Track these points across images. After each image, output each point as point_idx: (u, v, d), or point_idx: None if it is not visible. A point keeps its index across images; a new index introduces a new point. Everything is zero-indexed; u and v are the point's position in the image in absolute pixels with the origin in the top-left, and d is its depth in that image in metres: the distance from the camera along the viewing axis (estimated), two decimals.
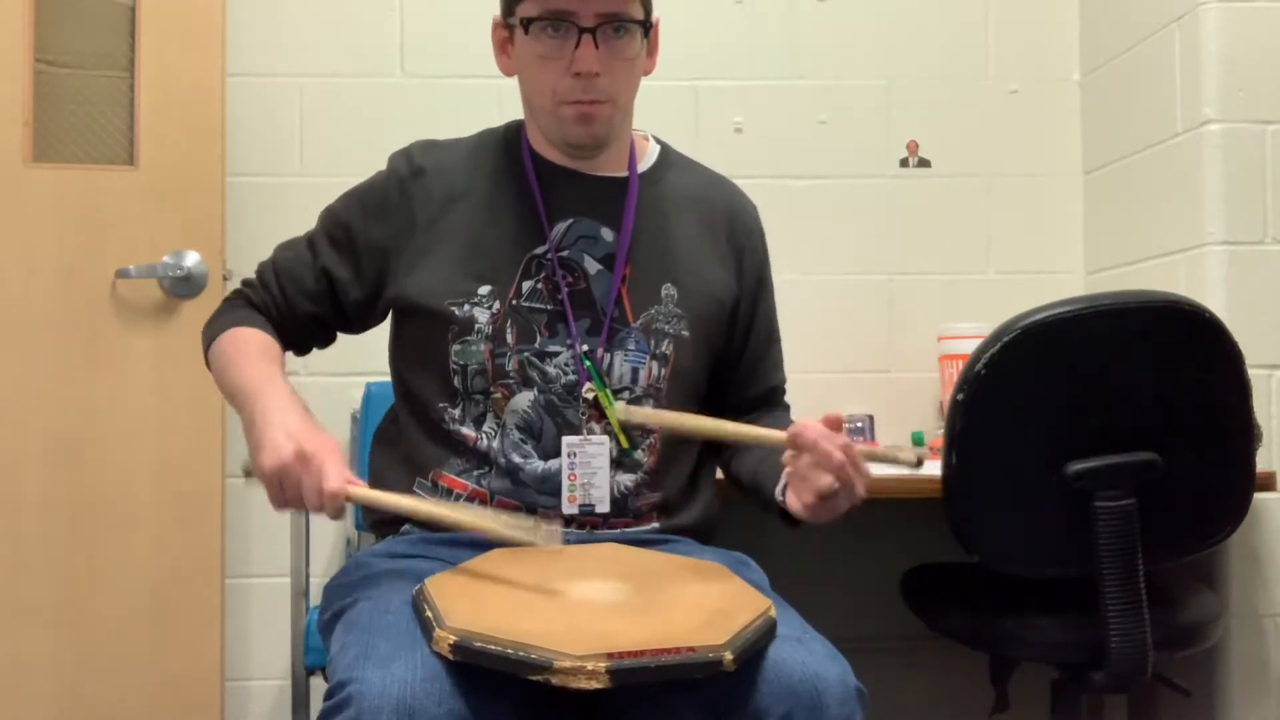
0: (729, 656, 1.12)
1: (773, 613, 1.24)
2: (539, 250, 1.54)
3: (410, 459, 1.54)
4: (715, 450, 1.69)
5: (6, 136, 2.24)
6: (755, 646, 1.18)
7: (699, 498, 1.61)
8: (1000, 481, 1.70)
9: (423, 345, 1.53)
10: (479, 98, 2.43)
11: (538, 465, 1.49)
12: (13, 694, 2.21)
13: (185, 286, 2.29)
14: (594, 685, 1.08)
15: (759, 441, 1.41)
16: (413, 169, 1.57)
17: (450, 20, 2.56)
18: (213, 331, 1.57)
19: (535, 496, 1.49)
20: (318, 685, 2.17)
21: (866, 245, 2.64)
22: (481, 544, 1.43)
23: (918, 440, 2.51)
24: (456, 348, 1.50)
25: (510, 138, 1.62)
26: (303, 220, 1.65)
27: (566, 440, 1.49)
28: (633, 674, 1.09)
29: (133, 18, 2.31)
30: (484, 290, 1.51)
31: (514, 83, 1.57)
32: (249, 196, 2.49)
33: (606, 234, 1.56)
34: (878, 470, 1.40)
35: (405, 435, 1.56)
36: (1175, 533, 1.75)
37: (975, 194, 2.67)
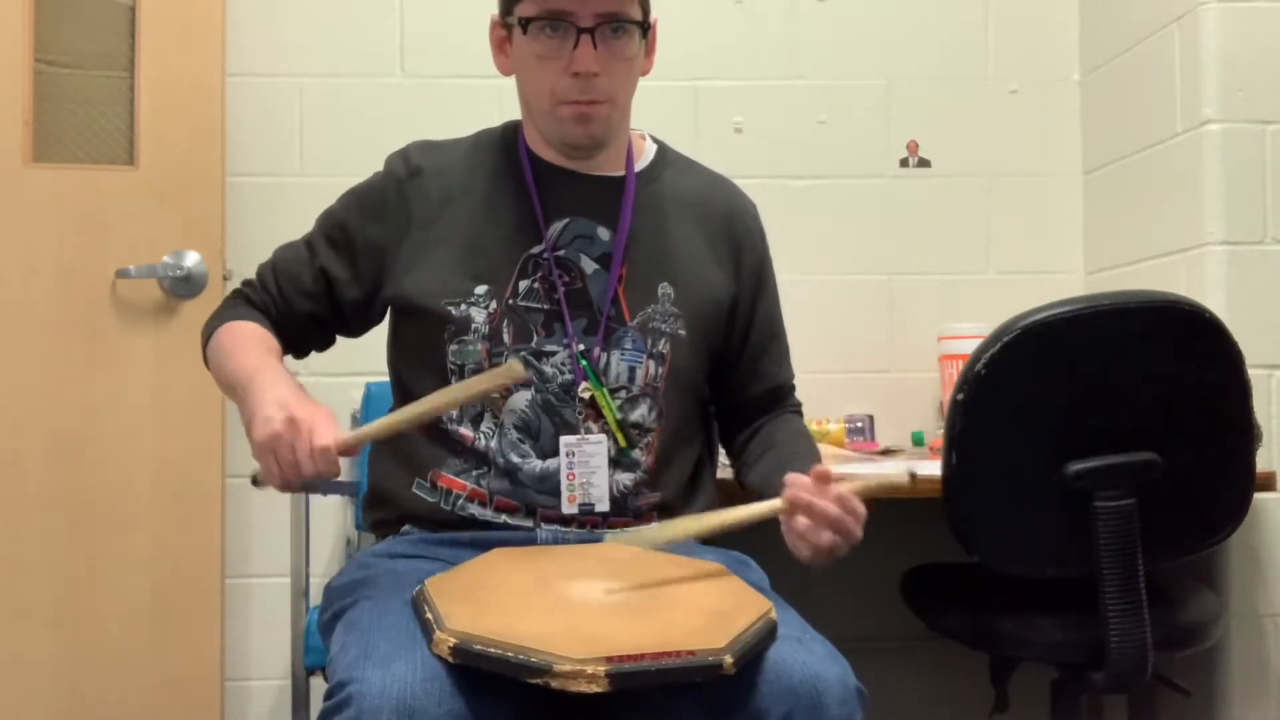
0: (729, 660, 1.12)
1: (773, 614, 1.24)
2: (536, 250, 1.54)
3: (409, 459, 1.54)
4: (720, 447, 1.69)
5: (6, 136, 2.24)
6: (755, 649, 1.18)
7: (699, 498, 1.61)
8: (1000, 481, 1.70)
9: (420, 345, 1.53)
10: (479, 98, 2.43)
11: (536, 465, 1.49)
12: (13, 694, 2.21)
13: (185, 286, 2.29)
14: (593, 689, 1.08)
15: (762, 516, 1.40)
16: (410, 169, 1.57)
17: (450, 20, 2.57)
18: (210, 329, 1.58)
19: (534, 496, 1.49)
20: (318, 685, 2.17)
21: (866, 245, 2.64)
22: (481, 544, 1.44)
23: (918, 440, 2.51)
24: (453, 347, 1.50)
25: (508, 138, 1.62)
26: (303, 220, 1.65)
27: (564, 440, 1.49)
28: (632, 678, 1.09)
29: (133, 18, 2.31)
30: (481, 290, 1.51)
31: (514, 83, 1.57)
32: (249, 196, 2.49)
33: (603, 233, 1.56)
34: (877, 470, 1.40)
35: (404, 435, 1.56)
36: (1175, 533, 1.75)
37: (975, 194, 2.67)
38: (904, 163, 2.66)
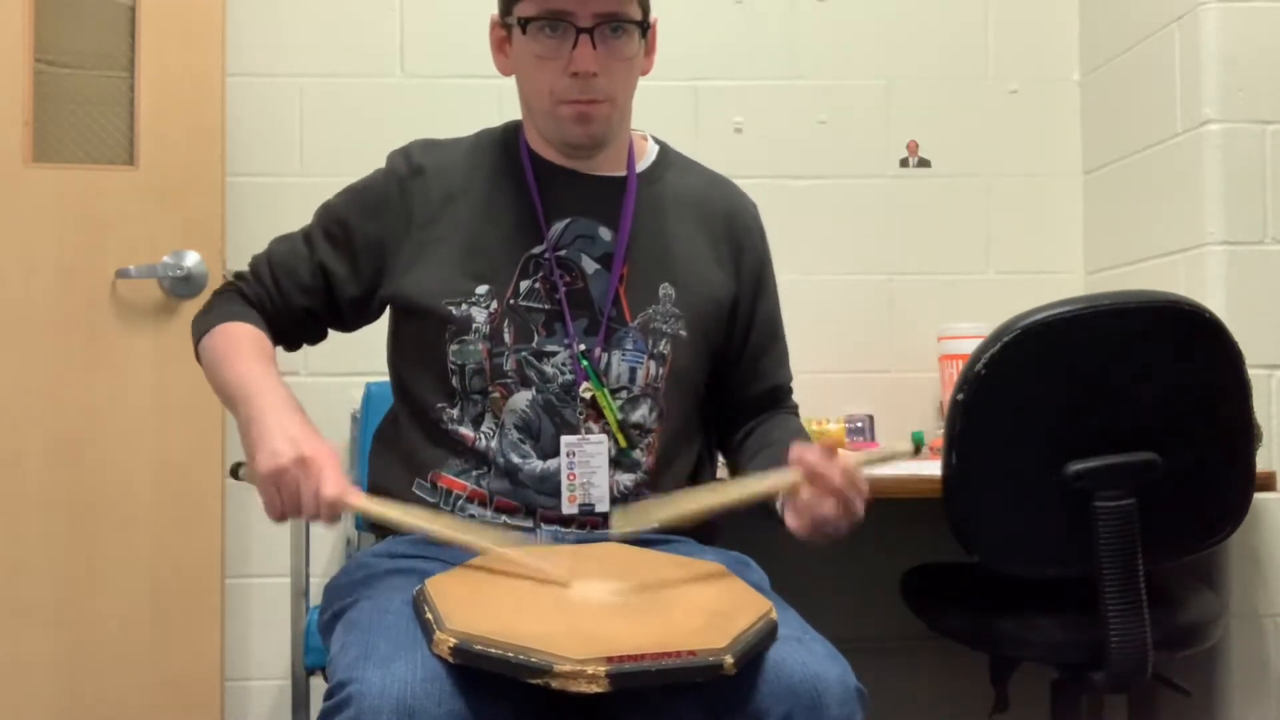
0: (729, 660, 1.12)
1: (773, 615, 1.24)
2: (537, 250, 1.53)
3: (409, 459, 1.54)
4: (719, 446, 1.69)
5: (6, 136, 2.24)
6: (756, 649, 1.18)
7: None
8: (1000, 481, 1.70)
9: (421, 345, 1.53)
10: (479, 98, 2.43)
11: (536, 465, 1.49)
12: (13, 694, 2.21)
13: (185, 286, 2.30)
14: (594, 689, 1.08)
15: (772, 491, 1.39)
16: (412, 168, 1.57)
17: (450, 20, 2.57)
18: (203, 325, 1.56)
19: (534, 496, 1.49)
20: (318, 685, 2.17)
21: (866, 245, 2.64)
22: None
23: (918, 440, 2.50)
24: (454, 347, 1.50)
25: (508, 137, 1.62)
26: (303, 220, 1.65)
27: (565, 440, 1.49)
28: (632, 678, 1.09)
29: (133, 18, 2.31)
30: (481, 290, 1.51)
31: (514, 83, 1.57)
32: (249, 196, 2.49)
33: (604, 233, 1.56)
34: (877, 470, 1.40)
35: (404, 436, 1.56)
36: (1175, 533, 1.75)
37: (975, 194, 2.67)
38: (904, 163, 2.66)
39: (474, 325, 1.50)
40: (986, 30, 2.68)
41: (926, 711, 2.50)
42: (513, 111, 1.62)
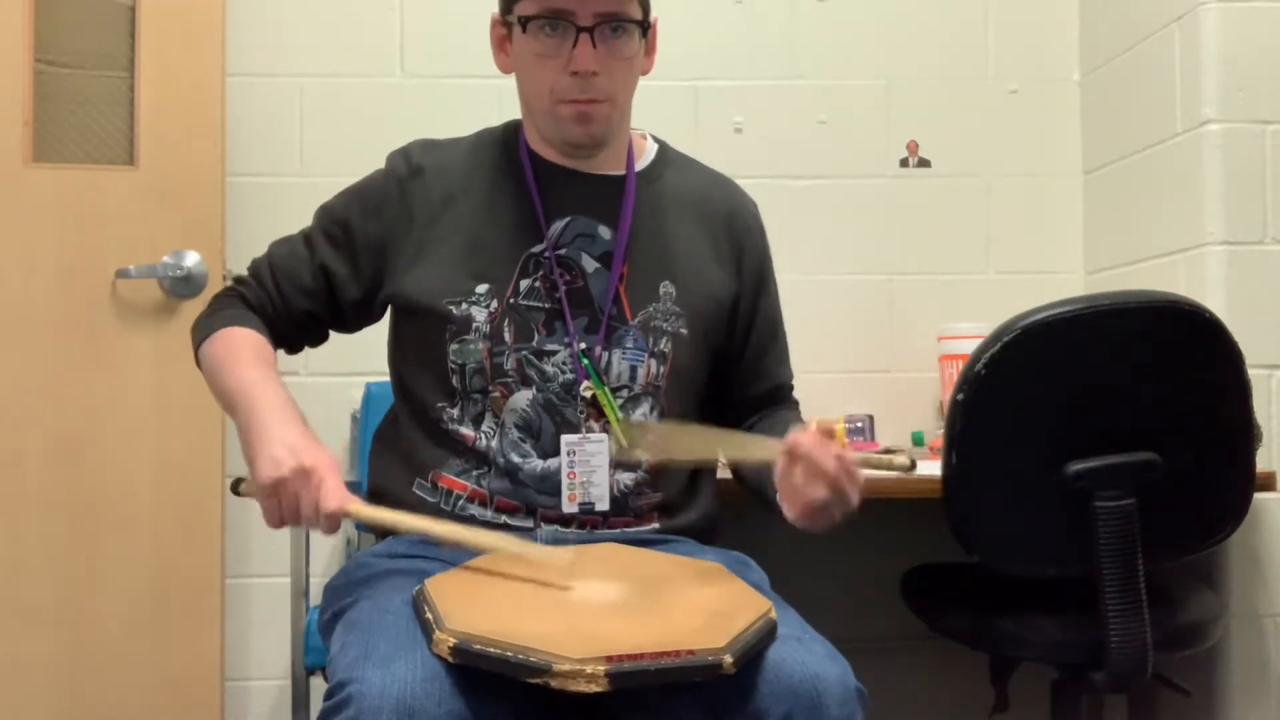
0: (729, 660, 1.12)
1: (773, 615, 1.24)
2: (537, 249, 1.54)
3: (410, 459, 1.54)
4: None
5: (6, 136, 2.24)
6: (755, 649, 1.18)
7: (699, 498, 1.60)
8: (1000, 481, 1.70)
9: (421, 344, 1.53)
10: (479, 98, 2.43)
11: (537, 464, 1.49)
12: (13, 694, 2.21)
13: (185, 286, 2.29)
14: (593, 688, 1.08)
15: (759, 454, 1.40)
16: (411, 168, 1.57)
17: (450, 20, 2.57)
18: (204, 331, 1.55)
19: (535, 496, 1.49)
20: (318, 685, 2.17)
21: (866, 245, 2.64)
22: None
23: (918, 440, 2.51)
24: (454, 347, 1.50)
25: (508, 137, 1.62)
26: (303, 220, 1.65)
27: (565, 439, 1.49)
28: (632, 677, 1.09)
29: (133, 18, 2.31)
30: (482, 289, 1.51)
31: (514, 83, 1.57)
32: (249, 196, 2.49)
33: (604, 232, 1.56)
34: (877, 470, 1.40)
35: (404, 435, 1.56)
36: (1175, 533, 1.75)
37: (975, 194, 2.67)
38: (904, 163, 2.66)
39: (474, 324, 1.50)
40: (986, 30, 2.68)
41: (926, 711, 2.50)
42: (513, 111, 1.62)
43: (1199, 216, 2.21)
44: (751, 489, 1.58)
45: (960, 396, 1.68)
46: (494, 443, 1.50)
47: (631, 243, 1.56)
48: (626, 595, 1.26)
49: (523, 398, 1.50)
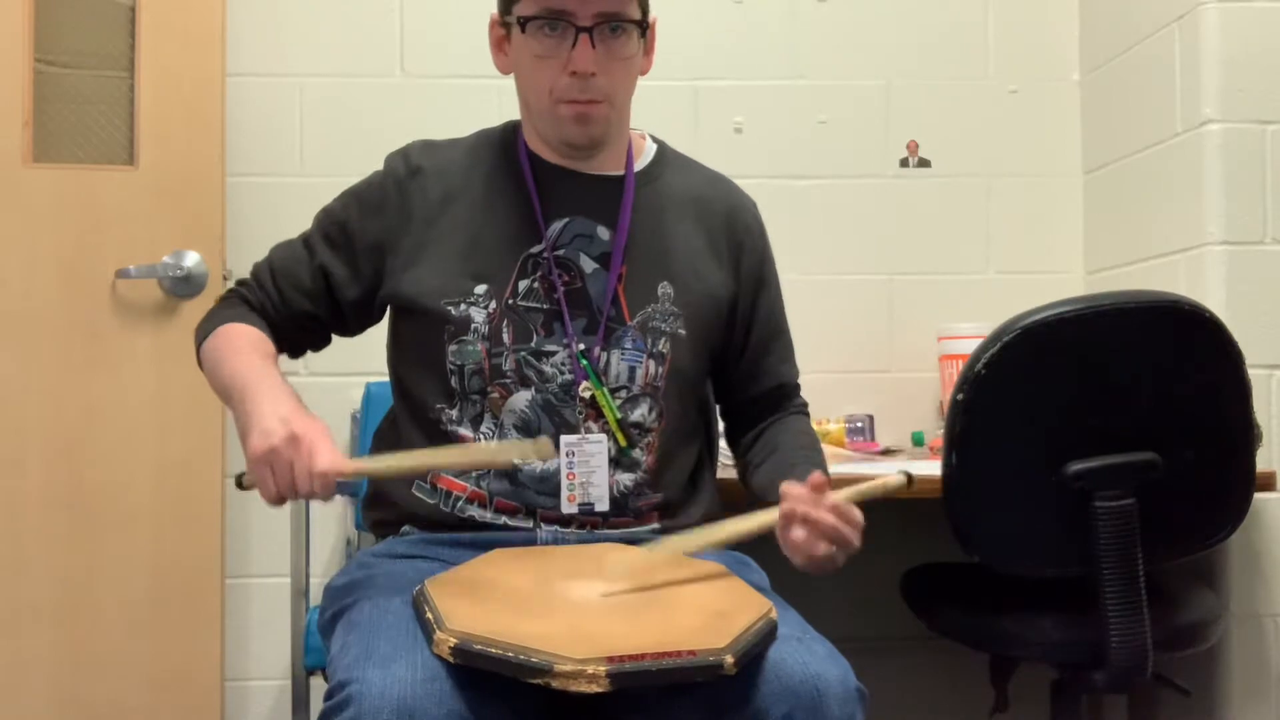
0: (729, 660, 1.12)
1: (773, 615, 1.24)
2: (535, 249, 1.53)
3: None
4: (729, 444, 1.69)
5: (6, 136, 2.24)
6: (756, 649, 1.18)
7: (700, 498, 1.61)
8: (1000, 481, 1.70)
9: (420, 345, 1.53)
10: (479, 98, 2.43)
11: (536, 465, 1.49)
12: (12, 693, 2.21)
13: (185, 286, 2.29)
14: (594, 689, 1.08)
15: (756, 532, 1.39)
16: (410, 168, 1.57)
17: (450, 20, 2.56)
18: (204, 330, 1.56)
19: (534, 496, 1.49)
20: (318, 685, 2.17)
21: (866, 245, 2.64)
22: (482, 544, 1.44)
23: (918, 440, 2.51)
24: (453, 347, 1.50)
25: (507, 137, 1.62)
26: (303, 220, 1.65)
27: (565, 439, 1.49)
28: (633, 677, 1.09)
29: (133, 18, 2.31)
30: (480, 290, 1.51)
31: (513, 83, 1.57)
32: (249, 196, 2.49)
33: (603, 233, 1.56)
34: (878, 470, 1.40)
35: (404, 436, 1.56)
36: (1175, 533, 1.75)
37: (975, 194, 2.67)
38: (904, 163, 2.66)
39: (473, 325, 1.50)
40: (986, 30, 2.68)
41: (926, 711, 2.50)
42: (512, 111, 1.62)
43: (1199, 216, 2.21)
44: (760, 504, 1.57)
45: (960, 396, 1.68)
46: (493, 443, 1.49)
47: (630, 243, 1.56)
48: (627, 596, 1.25)
49: (521, 398, 1.50)
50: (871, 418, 2.53)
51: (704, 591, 1.28)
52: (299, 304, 1.58)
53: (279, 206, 2.49)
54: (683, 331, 1.55)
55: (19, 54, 2.26)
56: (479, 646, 1.12)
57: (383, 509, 1.58)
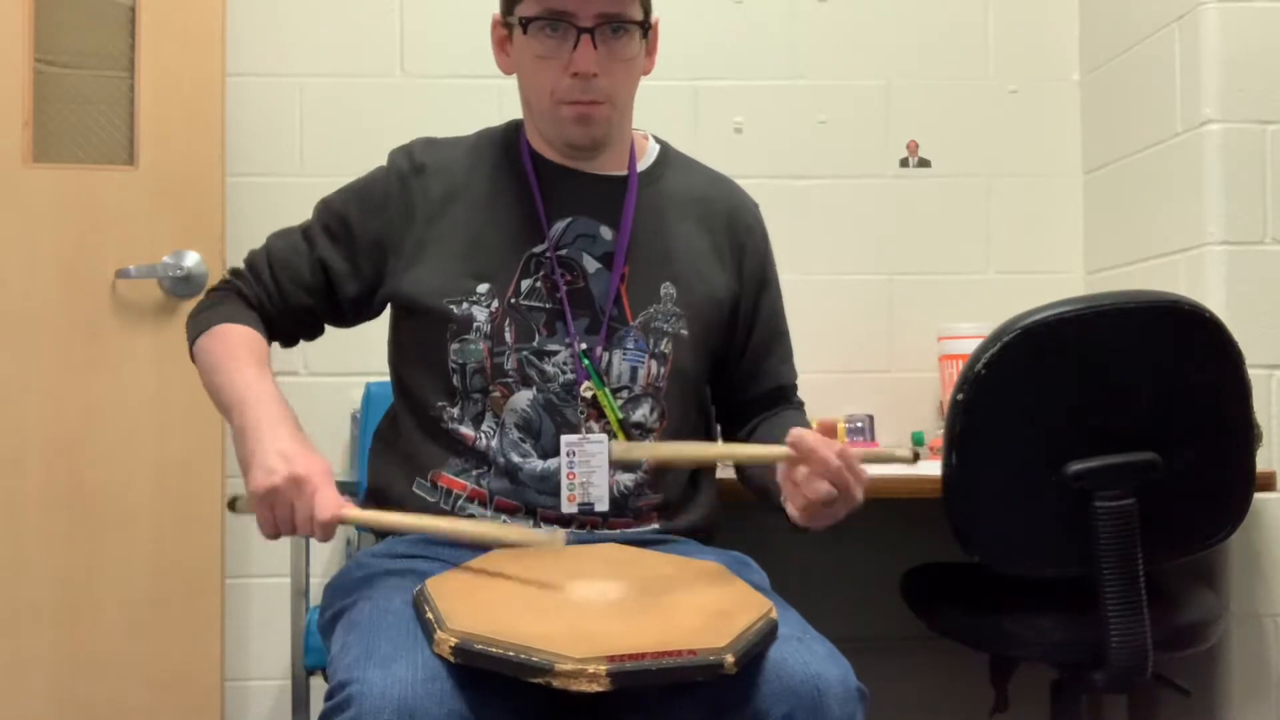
0: (730, 659, 1.12)
1: (774, 614, 1.24)
2: (538, 249, 1.54)
3: (409, 459, 1.54)
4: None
5: (6, 136, 2.24)
6: (756, 649, 1.18)
7: (700, 498, 1.60)
8: (1000, 481, 1.70)
9: (421, 344, 1.53)
10: (479, 98, 2.43)
11: (536, 464, 1.49)
12: (12, 693, 2.21)
13: (185, 286, 2.29)
14: (595, 688, 1.08)
15: (764, 459, 1.40)
16: (413, 166, 1.57)
17: (450, 20, 2.56)
18: (199, 326, 1.55)
19: (534, 496, 1.49)
20: (318, 685, 2.17)
21: (866, 245, 2.64)
22: (482, 544, 1.43)
23: (918, 440, 2.51)
24: (455, 346, 1.50)
25: (509, 137, 1.62)
26: (302, 220, 1.65)
27: (565, 439, 1.49)
28: (634, 677, 1.09)
29: (133, 18, 2.31)
30: (482, 289, 1.51)
31: (514, 82, 1.57)
32: (249, 196, 2.49)
33: (605, 233, 1.56)
34: (878, 470, 1.40)
35: (404, 435, 1.56)
36: (1175, 533, 1.75)
37: (975, 194, 2.67)
38: (904, 163, 2.66)
39: (475, 324, 1.50)
40: (986, 30, 2.68)
41: (926, 711, 2.50)
42: (513, 111, 1.62)
43: (1199, 216, 2.21)
44: (755, 489, 1.58)
45: (960, 396, 1.68)
46: (494, 442, 1.50)
47: (632, 243, 1.56)
48: (627, 595, 1.26)
49: (523, 398, 1.50)
50: (871, 418, 2.53)
51: (704, 591, 1.28)
52: (297, 298, 1.58)
53: (279, 206, 2.46)
54: (685, 332, 1.55)
55: (19, 54, 2.26)
56: (480, 646, 1.12)
57: (383, 509, 1.58)
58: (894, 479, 1.84)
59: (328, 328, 1.65)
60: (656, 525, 1.54)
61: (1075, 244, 2.68)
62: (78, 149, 2.31)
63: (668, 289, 1.56)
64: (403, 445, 1.56)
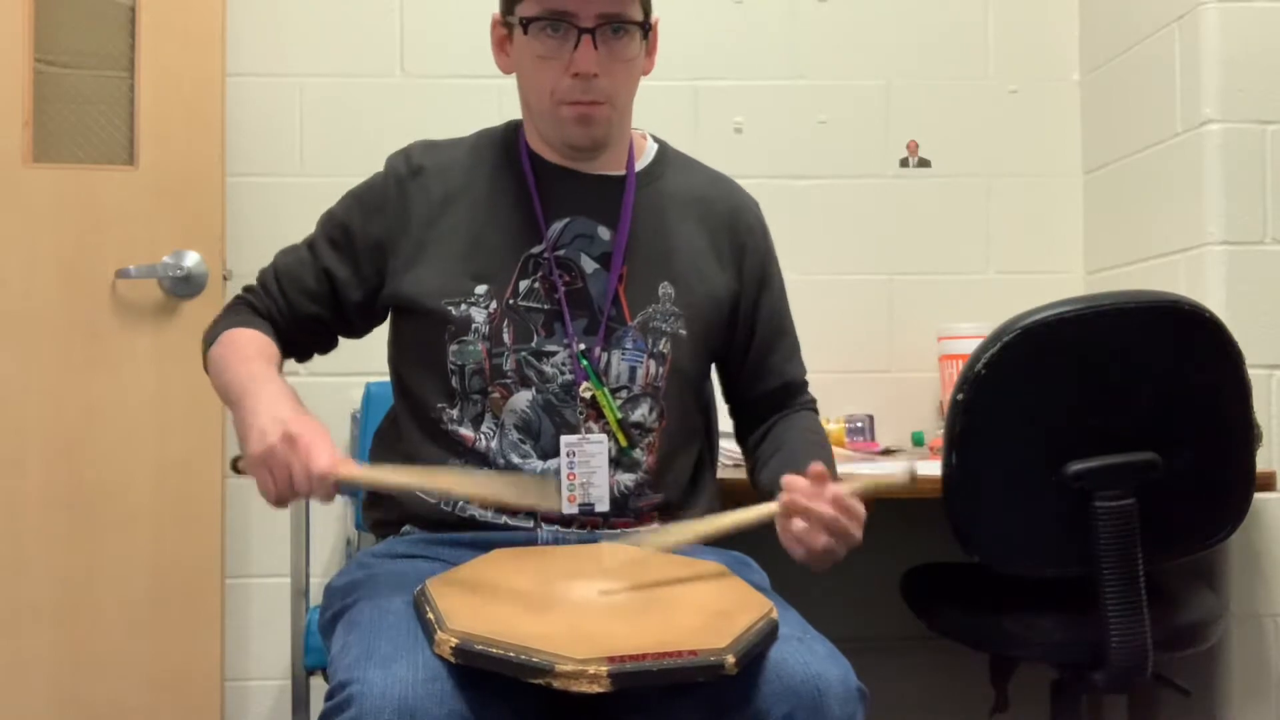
0: (731, 660, 1.12)
1: (774, 614, 1.24)
2: (536, 249, 1.53)
3: (410, 460, 1.54)
4: (738, 442, 1.69)
5: (6, 136, 2.24)
6: (757, 649, 1.18)
7: (700, 499, 1.61)
8: (1000, 481, 1.70)
9: (421, 345, 1.53)
10: (479, 98, 2.43)
11: (536, 465, 1.49)
12: (12, 693, 2.21)
13: (185, 286, 2.29)
14: (595, 689, 1.08)
15: (757, 521, 1.39)
16: (411, 168, 1.57)
17: (450, 20, 2.57)
18: (211, 336, 1.56)
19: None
20: (318, 685, 2.17)
21: (866, 245, 2.64)
22: (482, 544, 1.44)
23: (918, 440, 2.51)
24: (454, 347, 1.50)
25: (508, 137, 1.62)
26: (302, 220, 1.65)
27: (565, 440, 1.49)
28: (634, 677, 1.09)
29: (133, 18, 2.31)
30: (481, 290, 1.51)
31: (514, 82, 1.57)
32: (249, 196, 2.49)
33: (604, 233, 1.56)
34: (879, 489, 1.40)
35: (404, 436, 1.56)
36: (1175, 533, 1.75)
37: (975, 194, 2.67)
38: (904, 163, 2.66)
39: (473, 325, 1.50)
40: (986, 30, 2.68)
41: (926, 711, 2.50)
42: (513, 111, 1.62)
43: (1199, 216, 2.21)
44: (765, 498, 1.57)
45: (960, 396, 1.68)
46: (494, 443, 1.50)
47: (631, 243, 1.56)
48: (628, 596, 1.26)
49: (522, 399, 1.50)
50: (871, 418, 2.53)
51: (705, 591, 1.28)
52: (305, 308, 1.58)
53: (279, 206, 2.49)
54: (683, 332, 1.55)
55: (19, 54, 2.26)
56: (480, 647, 1.12)
57: (383, 508, 1.58)
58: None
59: (340, 339, 1.65)
60: (657, 526, 1.54)
61: (1075, 244, 2.68)
62: (78, 149, 2.31)
63: (666, 289, 1.56)
64: (403, 446, 1.56)
